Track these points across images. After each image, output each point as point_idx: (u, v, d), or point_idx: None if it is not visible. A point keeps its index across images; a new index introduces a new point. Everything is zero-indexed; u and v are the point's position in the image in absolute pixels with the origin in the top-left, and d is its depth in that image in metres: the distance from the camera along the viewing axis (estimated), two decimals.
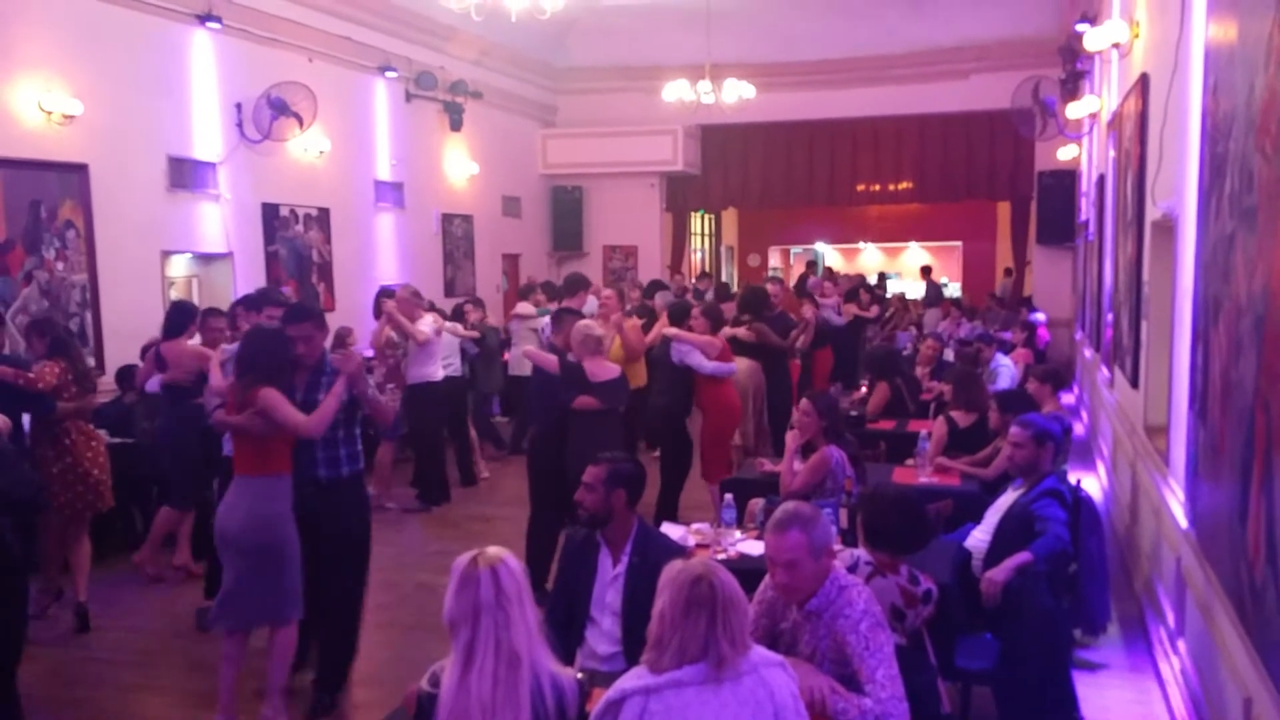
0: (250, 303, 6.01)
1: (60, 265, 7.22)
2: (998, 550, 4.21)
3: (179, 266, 8.84)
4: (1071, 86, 10.90)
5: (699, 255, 17.22)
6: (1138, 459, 5.74)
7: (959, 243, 19.15)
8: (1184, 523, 4.10)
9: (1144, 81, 5.87)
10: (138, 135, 7.91)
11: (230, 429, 4.20)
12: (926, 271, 16.90)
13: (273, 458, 4.08)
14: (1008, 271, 16.83)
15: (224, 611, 4.08)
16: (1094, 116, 9.74)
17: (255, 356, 4.14)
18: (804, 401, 5.18)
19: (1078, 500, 4.43)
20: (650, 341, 7.65)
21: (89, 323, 7.41)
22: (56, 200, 7.20)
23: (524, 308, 9.63)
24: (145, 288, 7.92)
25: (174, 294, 8.45)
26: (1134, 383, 6.06)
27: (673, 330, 6.93)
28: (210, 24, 8.44)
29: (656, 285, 10.94)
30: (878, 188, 15.00)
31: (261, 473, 4.07)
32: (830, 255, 20.86)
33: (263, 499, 4.05)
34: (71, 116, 7.24)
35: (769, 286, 9.30)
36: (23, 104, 6.97)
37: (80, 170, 7.36)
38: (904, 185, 14.82)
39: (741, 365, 7.36)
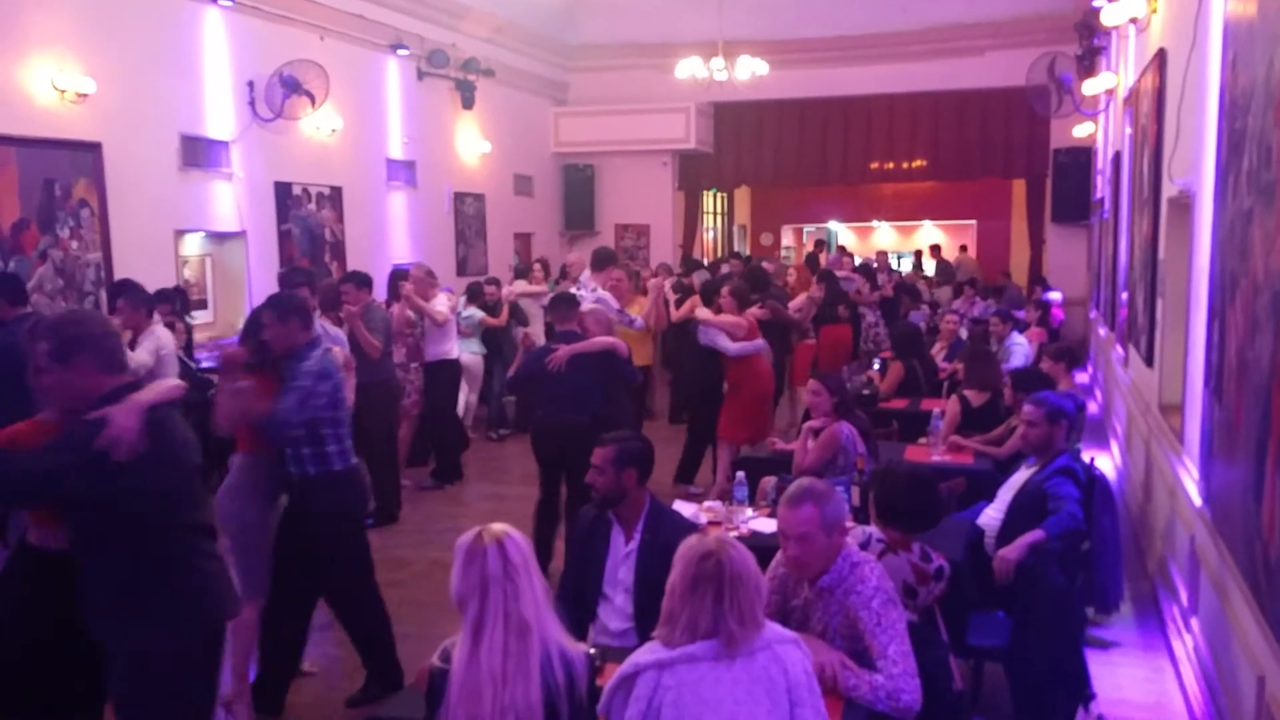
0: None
1: (74, 244, 7.26)
2: (1011, 528, 4.21)
3: (192, 245, 8.86)
4: (1088, 63, 10.79)
5: (711, 234, 17.17)
6: (1152, 437, 5.72)
7: (973, 221, 19.03)
8: (1198, 501, 4.09)
9: (1161, 57, 5.80)
10: (151, 114, 7.92)
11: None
12: (936, 250, 16.82)
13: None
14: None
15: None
16: (1110, 93, 9.65)
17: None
18: (812, 382, 5.19)
19: (1091, 478, 4.43)
20: (681, 316, 7.96)
21: (103, 301, 7.45)
22: (70, 179, 7.22)
23: (522, 285, 9.81)
24: (159, 267, 7.94)
25: (187, 273, 8.49)
26: (1149, 361, 6.03)
27: (702, 313, 7.18)
28: (222, 2, 8.43)
29: (694, 264, 11.05)
30: (891, 166, 14.91)
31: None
32: (844, 234, 20.78)
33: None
34: (85, 95, 7.25)
35: (764, 264, 9.47)
36: (36, 82, 6.98)
37: (94, 149, 7.38)
38: (918, 163, 14.72)
39: None
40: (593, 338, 5.81)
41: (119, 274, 7.53)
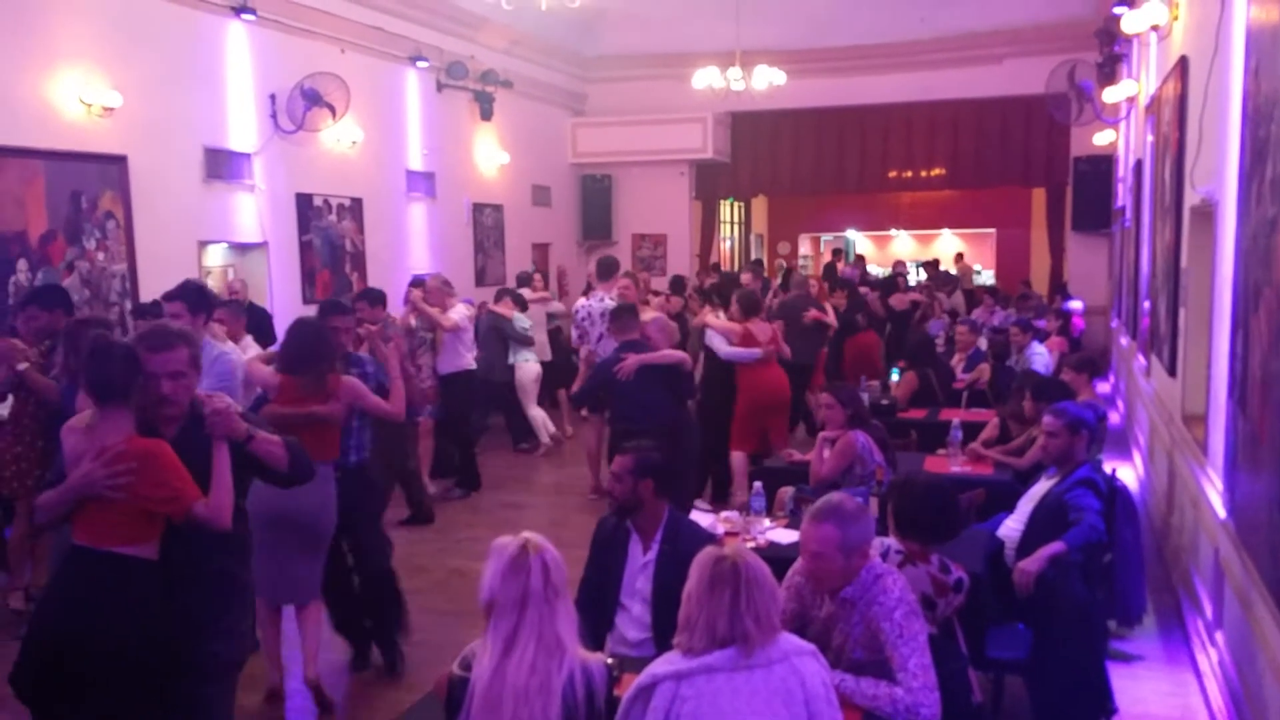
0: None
1: (101, 255, 7.35)
2: (1031, 540, 4.18)
3: (215, 256, 8.95)
4: (1108, 70, 10.74)
5: (728, 244, 17.17)
6: (1175, 448, 5.67)
7: (993, 230, 18.94)
8: (1222, 513, 4.05)
9: (1183, 64, 5.77)
10: (175, 127, 8.02)
11: (314, 419, 4.21)
12: (934, 264, 16.75)
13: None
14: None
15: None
16: (1131, 101, 9.59)
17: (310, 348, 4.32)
18: (824, 395, 5.18)
19: (1113, 490, 4.39)
20: (696, 324, 8.07)
21: (128, 311, 7.53)
22: (97, 191, 7.32)
23: (526, 294, 9.94)
24: (182, 277, 7.88)
25: (210, 283, 8.56)
26: (1171, 371, 5.98)
27: (704, 318, 7.32)
28: (245, 16, 8.52)
29: (729, 277, 11.10)
30: (910, 174, 14.86)
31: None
32: (861, 242, 20.71)
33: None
34: (111, 109, 7.34)
35: (743, 276, 9.52)
36: (64, 97, 7.08)
37: (119, 161, 7.48)
38: (936, 171, 14.67)
39: None
40: (659, 347, 6.11)
41: (144, 285, 7.62)
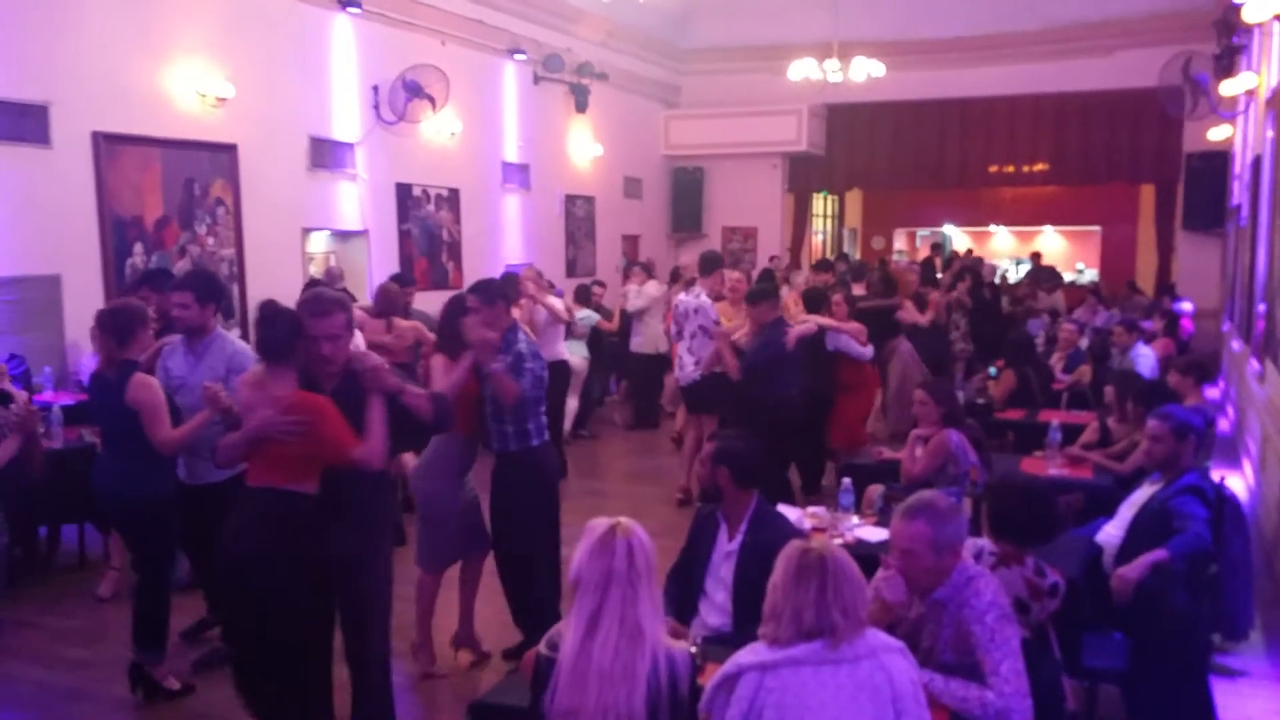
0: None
1: (211, 240, 7.67)
2: (1132, 547, 4.03)
3: (318, 243, 9.25)
4: (1226, 62, 10.25)
5: (820, 237, 16.97)
6: None
7: (1098, 227, 18.26)
8: None
9: None
10: (283, 117, 8.31)
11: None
12: (1037, 257, 16.31)
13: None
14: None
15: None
16: (1251, 94, 9.14)
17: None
18: (919, 392, 5.09)
19: (1221, 498, 4.21)
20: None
21: (235, 295, 7.84)
22: (209, 179, 7.64)
23: (650, 286, 9.81)
24: (287, 263, 8.33)
25: (313, 269, 8.86)
26: None
27: (830, 322, 7.34)
28: (351, 9, 8.77)
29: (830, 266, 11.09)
30: (1011, 169, 14.43)
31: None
32: (958, 238, 20.23)
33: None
34: (224, 99, 7.65)
35: (855, 284, 9.63)
36: (180, 88, 7.41)
37: (230, 150, 7.79)
38: (1039, 167, 14.20)
39: None
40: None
41: (251, 269, 7.94)
